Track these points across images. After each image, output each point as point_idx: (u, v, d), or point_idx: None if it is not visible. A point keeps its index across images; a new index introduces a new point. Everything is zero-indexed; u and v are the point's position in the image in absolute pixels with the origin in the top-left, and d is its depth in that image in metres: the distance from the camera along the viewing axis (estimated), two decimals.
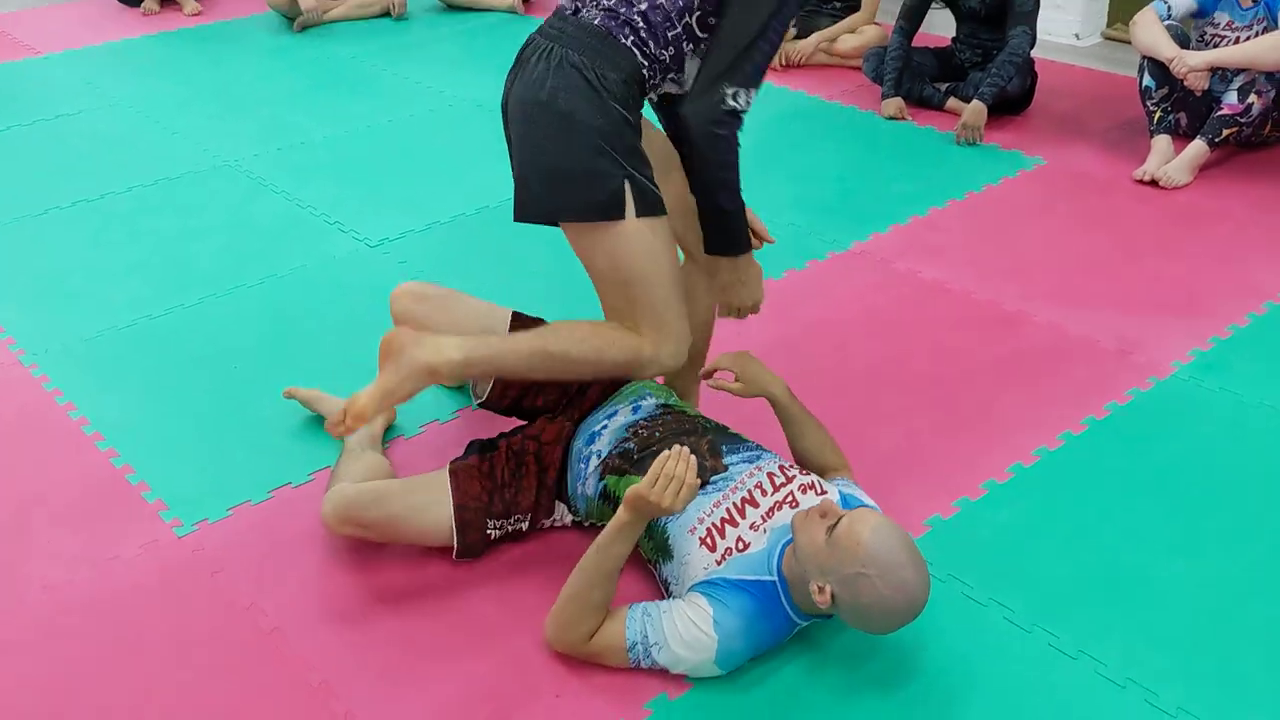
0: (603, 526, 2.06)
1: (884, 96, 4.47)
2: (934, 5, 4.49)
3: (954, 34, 4.61)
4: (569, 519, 2.35)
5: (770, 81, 4.93)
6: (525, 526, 2.30)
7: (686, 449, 1.95)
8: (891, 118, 4.43)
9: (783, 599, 2.00)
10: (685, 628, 1.96)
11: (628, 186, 2.08)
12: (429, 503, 2.23)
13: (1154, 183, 3.86)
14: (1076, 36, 5.39)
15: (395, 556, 2.33)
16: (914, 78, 4.49)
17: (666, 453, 1.93)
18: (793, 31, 5.16)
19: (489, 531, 2.26)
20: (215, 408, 2.84)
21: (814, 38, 5.08)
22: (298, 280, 3.41)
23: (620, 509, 1.96)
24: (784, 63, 5.06)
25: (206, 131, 4.54)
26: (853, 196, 3.90)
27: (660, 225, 2.15)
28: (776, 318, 3.10)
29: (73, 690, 2.06)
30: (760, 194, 3.85)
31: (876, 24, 5.06)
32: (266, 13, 6.02)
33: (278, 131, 4.53)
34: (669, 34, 2.10)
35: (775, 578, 2.00)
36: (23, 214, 3.89)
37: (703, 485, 2.08)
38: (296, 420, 2.77)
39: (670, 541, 2.10)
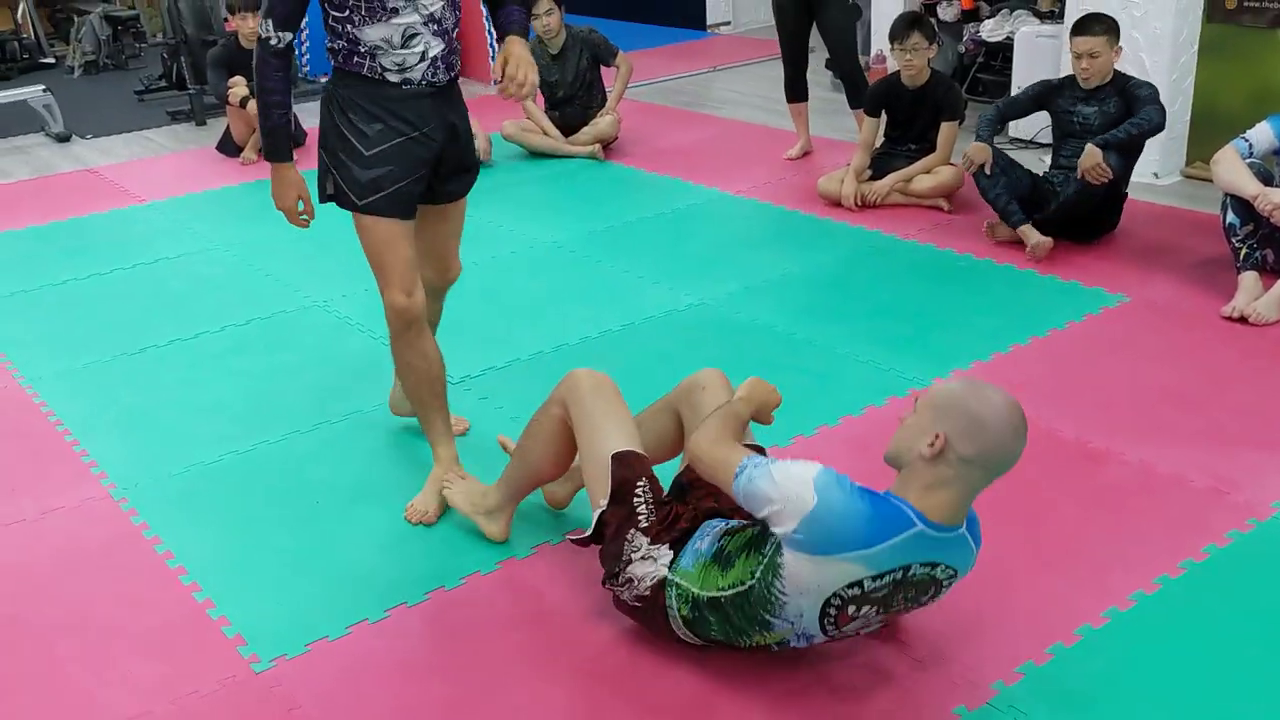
0: (680, 592, 2.25)
1: (978, 138, 4.51)
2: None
3: (1049, 161, 4.66)
4: (665, 563, 2.31)
5: (846, 221, 5.00)
6: (651, 519, 2.35)
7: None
8: (980, 166, 4.41)
9: (898, 505, 2.06)
10: (797, 471, 2.07)
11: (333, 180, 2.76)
12: (625, 435, 2.45)
13: (1243, 319, 3.79)
14: (1155, 175, 5.38)
15: (475, 695, 2.29)
16: (1007, 185, 4.47)
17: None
18: (868, 172, 5.23)
19: (637, 489, 2.37)
20: (296, 542, 2.86)
21: (890, 178, 5.13)
22: (381, 416, 3.46)
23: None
24: (860, 203, 5.12)
25: (297, 274, 4.69)
26: (933, 332, 3.88)
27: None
28: (857, 454, 3.06)
29: None
30: (840, 330, 3.88)
31: (952, 164, 5.11)
32: None
33: (364, 274, 4.64)
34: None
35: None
36: (120, 351, 4.03)
37: None
38: (376, 556, 2.78)
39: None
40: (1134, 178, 5.24)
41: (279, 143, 2.77)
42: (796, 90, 5.90)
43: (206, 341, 4.09)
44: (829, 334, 3.88)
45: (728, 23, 10.06)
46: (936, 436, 2.01)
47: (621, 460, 2.40)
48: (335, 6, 2.64)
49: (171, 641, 2.53)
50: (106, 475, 3.23)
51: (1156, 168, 5.37)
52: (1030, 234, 4.41)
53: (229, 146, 6.59)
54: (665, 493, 2.44)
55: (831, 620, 2.12)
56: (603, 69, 6.28)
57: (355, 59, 2.66)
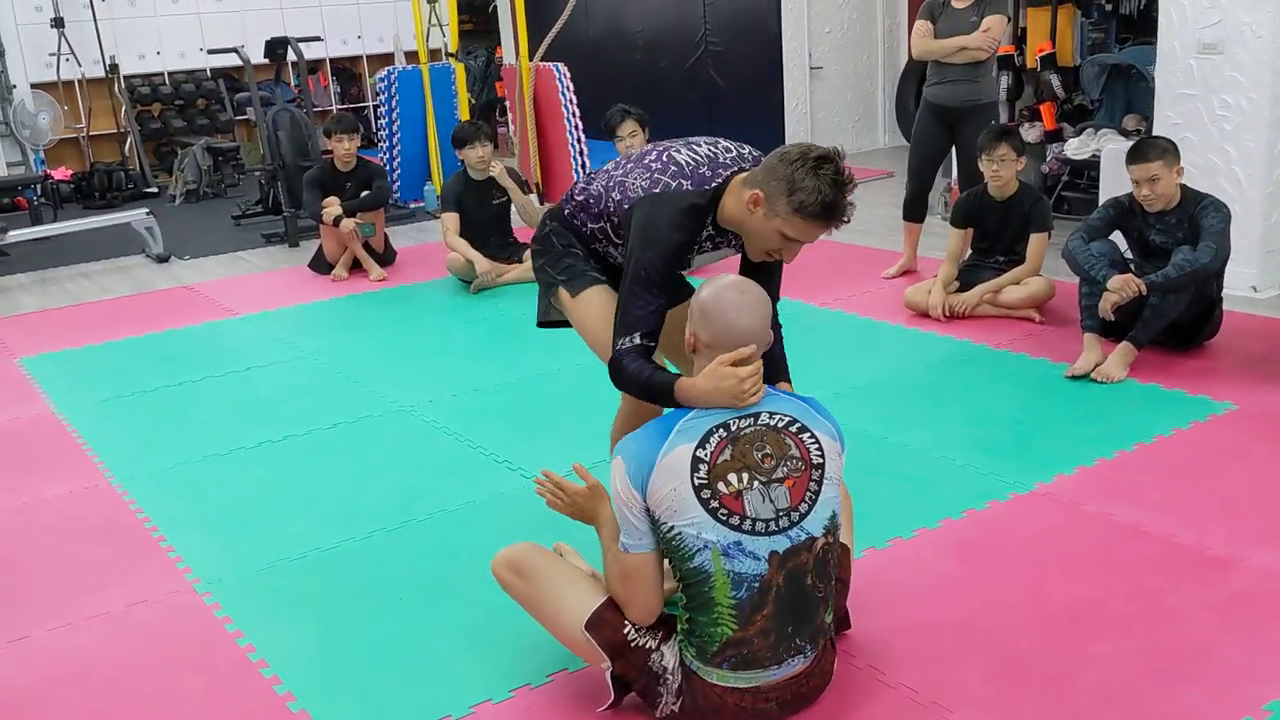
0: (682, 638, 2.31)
1: (1094, 274, 4.27)
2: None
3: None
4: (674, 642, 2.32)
5: (935, 331, 4.92)
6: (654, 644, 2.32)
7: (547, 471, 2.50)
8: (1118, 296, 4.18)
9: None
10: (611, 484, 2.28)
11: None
12: (579, 595, 2.40)
13: None
14: (1254, 289, 5.24)
15: None
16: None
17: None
18: (955, 284, 5.17)
19: (628, 635, 2.32)
20: (379, 639, 2.79)
21: (978, 289, 5.06)
22: (466, 514, 3.41)
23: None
24: (948, 314, 5.04)
25: (384, 381, 4.72)
26: (1031, 439, 3.75)
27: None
28: (960, 557, 2.94)
29: None
30: (935, 435, 3.77)
31: (1041, 276, 5.03)
32: (446, 277, 6.36)
33: (451, 380, 4.68)
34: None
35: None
36: (210, 453, 4.05)
37: None
38: (459, 653, 2.69)
39: None
40: (1232, 291, 5.13)
41: (664, 378, 2.44)
42: (916, 209, 5.87)
43: (293, 444, 4.10)
44: (923, 439, 3.77)
45: None
46: (691, 334, 2.30)
47: (595, 627, 2.32)
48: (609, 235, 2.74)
49: None
50: (191, 570, 3.20)
51: (1255, 281, 5.24)
52: (1091, 344, 4.28)
53: (321, 264, 6.75)
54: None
55: (724, 511, 2.17)
56: None
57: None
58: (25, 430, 4.41)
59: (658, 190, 2.51)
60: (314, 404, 4.50)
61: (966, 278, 5.20)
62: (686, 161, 2.55)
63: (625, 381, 2.50)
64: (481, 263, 6.06)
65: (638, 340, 2.46)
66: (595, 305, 2.77)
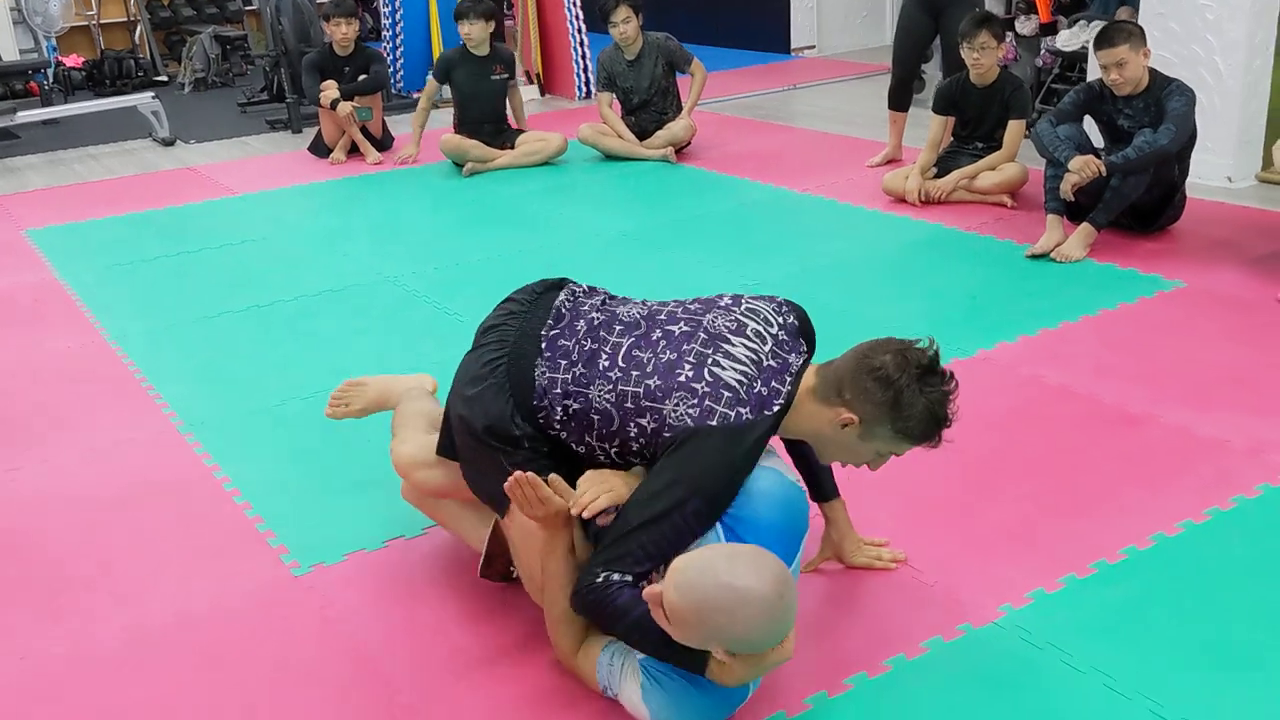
0: None
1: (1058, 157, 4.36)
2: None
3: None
4: None
5: (909, 215, 5.04)
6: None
7: (524, 474, 2.01)
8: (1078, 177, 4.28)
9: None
10: (629, 692, 2.01)
11: None
12: (476, 520, 2.41)
13: None
14: (1229, 179, 5.32)
15: (492, 608, 2.39)
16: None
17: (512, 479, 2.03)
18: (933, 170, 5.27)
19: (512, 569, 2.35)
20: (345, 473, 3.00)
21: (954, 175, 5.17)
22: (436, 371, 3.59)
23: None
24: (924, 199, 5.15)
25: (372, 254, 4.89)
26: (982, 312, 3.90)
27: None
28: None
29: (187, 692, 2.18)
30: (889, 310, 3.93)
31: (1016, 162, 5.12)
32: (441, 161, 6.49)
33: (435, 255, 4.85)
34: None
35: None
36: (200, 315, 4.25)
37: None
38: None
39: None
40: (1205, 181, 5.22)
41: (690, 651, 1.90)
42: (901, 98, 5.94)
43: (280, 308, 4.30)
44: (879, 312, 3.93)
45: (812, 46, 10.16)
46: (719, 655, 1.82)
47: (488, 564, 2.37)
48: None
49: (221, 550, 2.68)
50: (176, 415, 3.42)
51: (1230, 171, 5.31)
52: (1053, 225, 4.41)
53: (320, 148, 6.88)
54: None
55: None
56: (678, 78, 6.44)
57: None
58: (28, 294, 4.63)
59: (714, 423, 1.97)
60: (303, 274, 4.68)
61: (945, 164, 5.29)
62: (736, 380, 2.02)
63: (613, 619, 1.95)
64: (424, 103, 6.45)
65: (630, 577, 1.96)
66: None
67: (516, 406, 2.16)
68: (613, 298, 2.34)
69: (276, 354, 3.85)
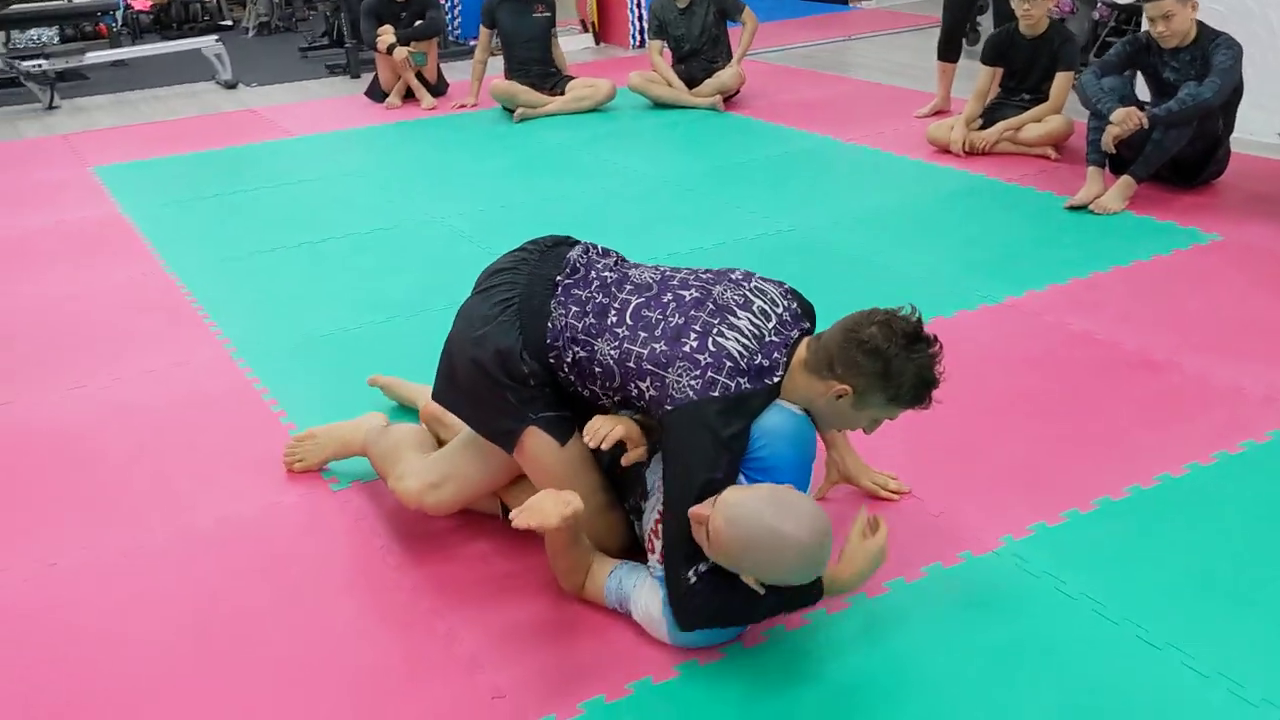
0: None
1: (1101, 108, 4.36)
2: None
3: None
4: None
5: (951, 166, 5.06)
6: None
7: (567, 494, 2.09)
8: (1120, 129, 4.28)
9: None
10: (644, 602, 2.15)
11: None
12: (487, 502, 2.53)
13: None
14: (1279, 135, 5.26)
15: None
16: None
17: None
18: (979, 121, 5.28)
19: None
20: (384, 400, 3.13)
21: (999, 126, 5.17)
22: None
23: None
24: (968, 149, 5.17)
25: (421, 196, 5.03)
26: (1014, 260, 3.94)
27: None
28: None
29: (233, 589, 2.35)
30: (920, 257, 3.98)
31: (1062, 115, 5.11)
32: (494, 108, 6.60)
33: (481, 197, 4.97)
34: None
35: None
36: (254, 250, 4.42)
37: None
38: None
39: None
40: (1255, 137, 5.17)
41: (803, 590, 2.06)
42: (951, 48, 5.94)
43: (331, 245, 4.45)
44: (912, 259, 3.99)
45: None
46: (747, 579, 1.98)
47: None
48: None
49: (265, 467, 2.84)
50: (229, 341, 3.59)
51: None
52: (1094, 177, 4.41)
53: (376, 93, 7.03)
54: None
55: None
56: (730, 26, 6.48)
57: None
58: (94, 227, 4.83)
59: (715, 394, 2.04)
60: (353, 213, 4.83)
61: (991, 115, 5.30)
62: (738, 352, 2.09)
63: (720, 616, 2.06)
64: (479, 53, 6.55)
65: (702, 567, 2.02)
66: (577, 467, 2.30)
67: (525, 344, 2.23)
68: (625, 260, 2.41)
69: (325, 287, 4.01)
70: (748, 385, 2.08)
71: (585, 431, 2.19)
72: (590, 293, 2.26)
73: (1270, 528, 2.40)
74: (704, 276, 2.28)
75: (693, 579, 2.01)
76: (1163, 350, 3.21)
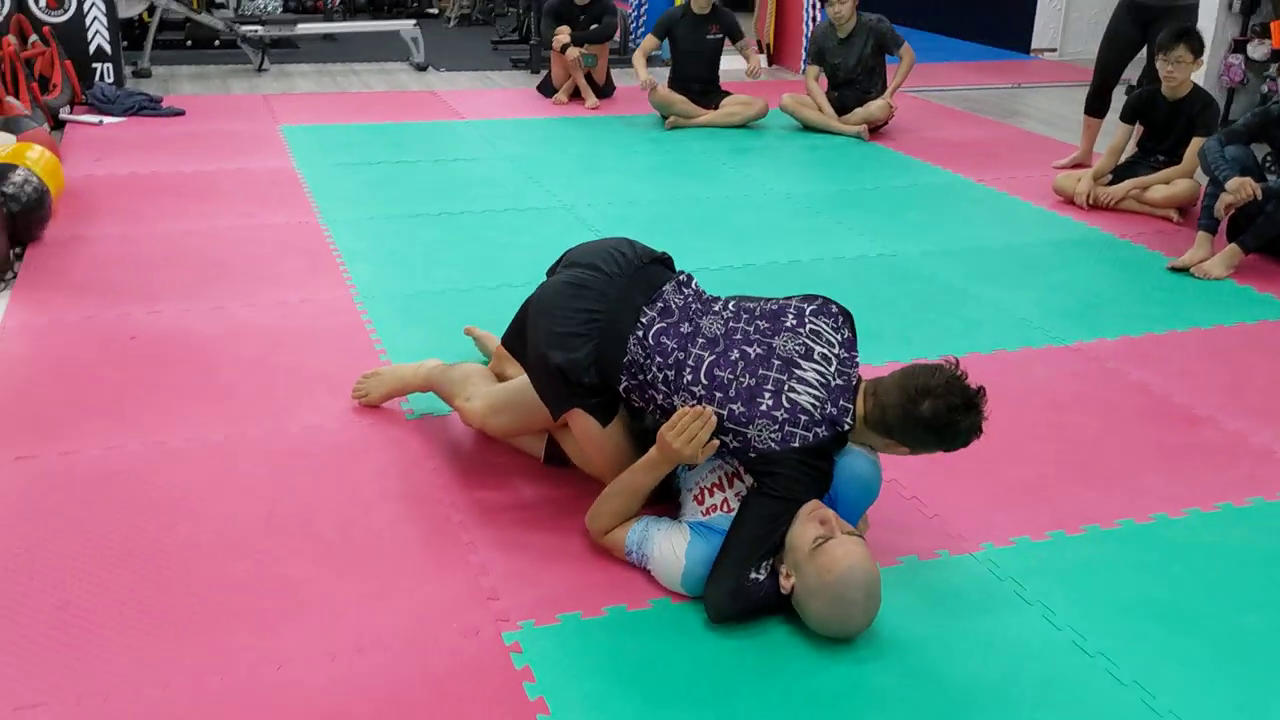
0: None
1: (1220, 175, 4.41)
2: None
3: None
4: None
5: (1070, 216, 5.16)
6: None
7: (709, 409, 2.30)
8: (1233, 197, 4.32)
9: None
10: (667, 547, 2.38)
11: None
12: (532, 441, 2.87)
13: None
14: None
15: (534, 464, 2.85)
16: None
17: (687, 408, 2.32)
18: (1108, 177, 5.34)
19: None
20: (472, 353, 3.50)
21: (1126, 183, 5.23)
22: None
23: (653, 448, 2.38)
24: (1092, 203, 5.25)
25: (560, 185, 5.42)
26: (1097, 310, 4.04)
27: None
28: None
29: (303, 481, 2.75)
30: (1009, 293, 4.13)
31: (1190, 179, 5.14)
32: (651, 114, 6.96)
33: (612, 193, 5.33)
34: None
35: None
36: (398, 214, 4.89)
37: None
38: None
39: (679, 487, 2.55)
40: None
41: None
42: (1099, 103, 5.99)
43: (466, 218, 4.88)
44: (994, 294, 4.14)
45: (1054, 49, 10.05)
46: (787, 577, 2.25)
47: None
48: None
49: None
50: (355, 287, 4.03)
51: None
52: (1202, 242, 4.45)
53: (547, 88, 7.48)
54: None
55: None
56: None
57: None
58: (268, 176, 5.39)
59: (796, 445, 2.27)
60: (494, 192, 5.26)
61: (1123, 173, 5.35)
62: (810, 404, 2.30)
63: (752, 607, 2.30)
64: (642, 74, 6.71)
65: (765, 569, 2.29)
66: (616, 443, 2.56)
67: (596, 363, 2.44)
68: (701, 298, 2.57)
69: (450, 253, 4.43)
70: (825, 434, 2.30)
71: (673, 427, 2.32)
72: (668, 340, 2.42)
73: (1245, 573, 2.51)
74: (762, 327, 2.44)
75: (760, 577, 2.27)
76: (1208, 408, 3.30)
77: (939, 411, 2.22)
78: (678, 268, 2.69)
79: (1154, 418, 3.24)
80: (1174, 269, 4.46)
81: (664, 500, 2.58)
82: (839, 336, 2.44)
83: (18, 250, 4.21)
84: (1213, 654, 2.25)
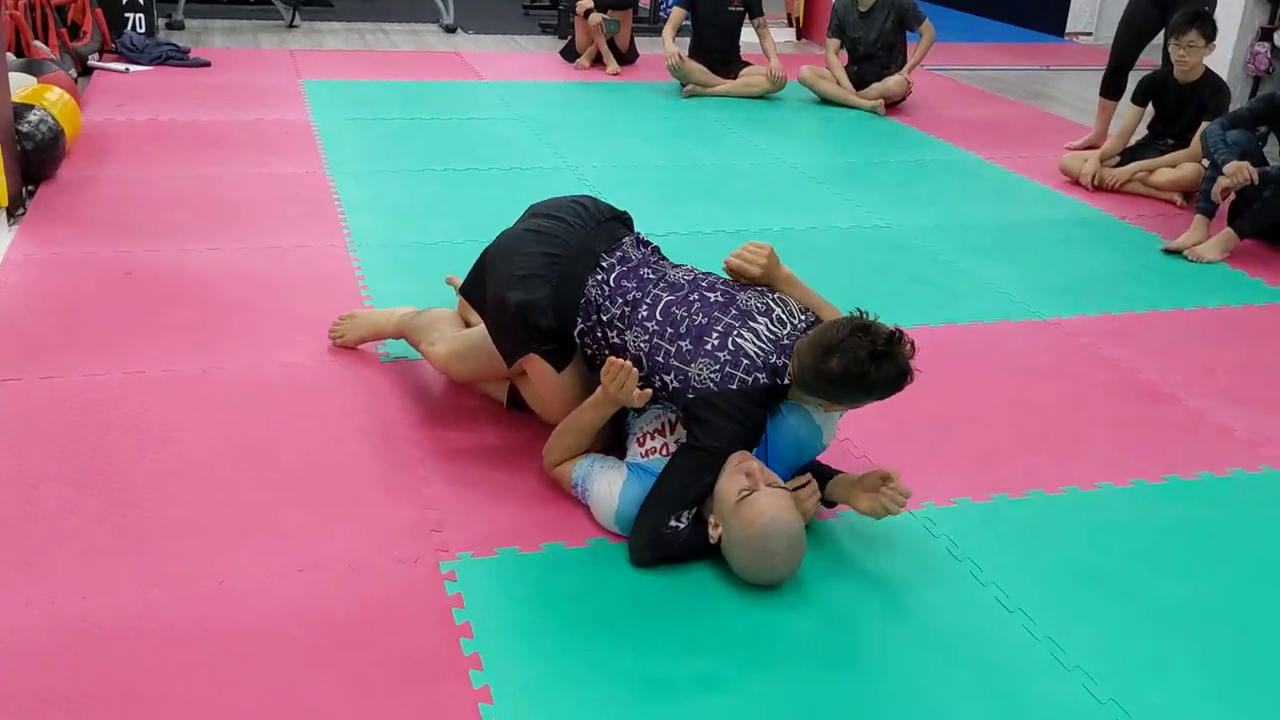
0: None
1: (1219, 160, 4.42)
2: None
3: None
4: None
5: (1075, 196, 5.15)
6: None
7: (629, 363, 2.39)
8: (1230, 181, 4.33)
9: None
10: (605, 485, 2.47)
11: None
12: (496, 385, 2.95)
13: None
14: None
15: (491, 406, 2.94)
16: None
17: (613, 359, 2.41)
18: (1116, 159, 5.33)
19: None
20: (452, 300, 3.58)
21: (1132, 166, 5.22)
22: None
23: (599, 387, 2.47)
24: (1096, 184, 5.24)
25: (568, 147, 5.48)
26: (1082, 288, 4.06)
27: None
28: (940, 351, 3.40)
29: (274, 412, 2.85)
30: (997, 268, 4.16)
31: (1196, 164, 5.11)
32: (671, 81, 6.99)
33: (619, 156, 5.38)
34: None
35: None
36: (404, 168, 4.98)
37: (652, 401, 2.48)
38: None
39: (628, 431, 2.64)
40: None
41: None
42: (1114, 85, 5.96)
43: (471, 175, 4.96)
44: (983, 268, 4.17)
45: (1089, 33, 9.96)
46: (715, 527, 2.31)
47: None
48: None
49: None
50: (350, 236, 4.13)
51: None
52: (1198, 225, 4.45)
53: (570, 52, 7.53)
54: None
55: None
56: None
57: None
58: (282, 128, 5.49)
59: (734, 387, 2.34)
60: (502, 152, 5.33)
61: (1131, 155, 5.34)
62: (755, 352, 2.37)
63: (674, 553, 2.35)
64: (669, 47, 6.69)
65: (685, 518, 2.35)
66: (571, 389, 2.64)
67: (553, 304, 2.53)
68: (665, 260, 2.69)
69: (449, 207, 4.51)
70: (764, 381, 2.36)
71: (607, 371, 2.41)
72: (628, 283, 2.53)
73: (1176, 544, 2.55)
74: (730, 282, 2.55)
75: (680, 525, 2.33)
76: (1173, 385, 3.32)
77: (848, 366, 2.24)
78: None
79: (1118, 393, 3.27)
80: (1168, 251, 4.46)
81: (619, 445, 2.66)
82: (804, 314, 2.51)
83: (30, 188, 4.34)
84: (1128, 617, 2.29)
